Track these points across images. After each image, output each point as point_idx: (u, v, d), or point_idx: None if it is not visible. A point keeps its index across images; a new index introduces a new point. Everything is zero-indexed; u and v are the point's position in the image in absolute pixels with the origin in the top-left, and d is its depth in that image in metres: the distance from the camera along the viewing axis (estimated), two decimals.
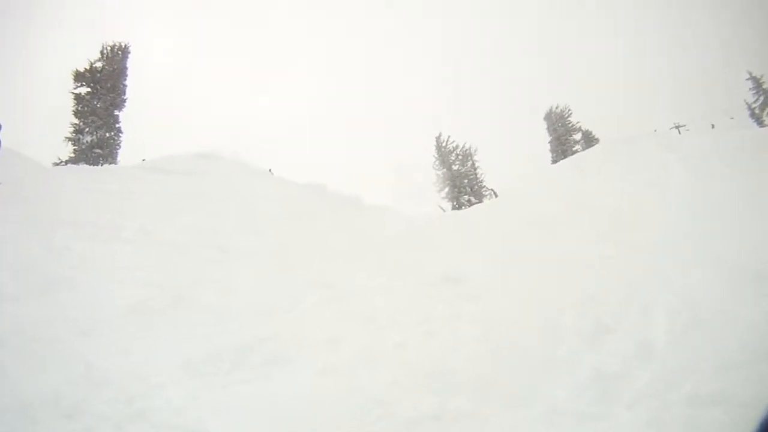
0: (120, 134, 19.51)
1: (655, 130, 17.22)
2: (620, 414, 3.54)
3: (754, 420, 2.85)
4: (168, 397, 3.84)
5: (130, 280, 5.96)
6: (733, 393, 3.33)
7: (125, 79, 20.22)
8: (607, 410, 3.60)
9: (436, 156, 24.51)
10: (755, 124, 22.94)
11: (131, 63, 20.57)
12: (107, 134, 19.01)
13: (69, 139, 18.69)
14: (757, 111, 24.01)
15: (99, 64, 19.88)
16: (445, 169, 24.06)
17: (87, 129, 18.77)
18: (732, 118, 22.19)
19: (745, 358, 3.69)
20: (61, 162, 17.84)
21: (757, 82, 24.23)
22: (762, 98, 24.02)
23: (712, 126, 19.17)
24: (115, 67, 20.03)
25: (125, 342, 4.60)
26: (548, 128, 25.80)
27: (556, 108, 25.77)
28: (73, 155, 18.41)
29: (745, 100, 24.56)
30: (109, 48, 20.28)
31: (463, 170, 23.96)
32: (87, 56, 20.22)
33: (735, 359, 3.71)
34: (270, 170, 15.63)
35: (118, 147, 19.28)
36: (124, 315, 5.13)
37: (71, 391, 3.71)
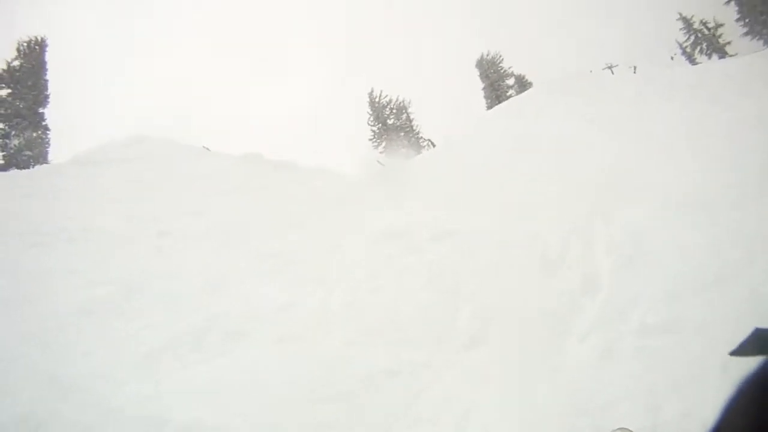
0: (48, 132, 18.40)
1: (590, 71, 17.56)
2: (573, 347, 3.71)
3: (705, 346, 3.01)
4: (134, 391, 3.86)
5: (81, 282, 5.78)
6: (684, 320, 3.43)
7: (46, 74, 18.97)
8: (561, 345, 3.75)
9: (370, 112, 24.24)
10: (687, 62, 23.92)
11: (49, 56, 19.23)
12: (34, 134, 17.87)
13: None
14: (689, 50, 25.00)
15: (17, 63, 18.48)
16: (380, 124, 23.89)
17: (13, 132, 17.57)
18: (672, 58, 22.99)
19: (694, 285, 3.74)
20: None
21: (687, 22, 25.10)
22: (692, 38, 24.97)
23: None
24: (34, 63, 18.73)
25: (85, 345, 4.53)
26: (481, 75, 25.69)
27: (488, 55, 25.75)
28: (2, 162, 17.23)
29: (676, 40, 25.50)
30: (25, 44, 18.88)
31: (398, 123, 23.91)
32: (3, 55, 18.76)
33: (684, 287, 3.77)
34: (206, 147, 15.07)
35: (47, 145, 18.22)
36: (79, 318, 5.01)
37: (40, 406, 3.63)
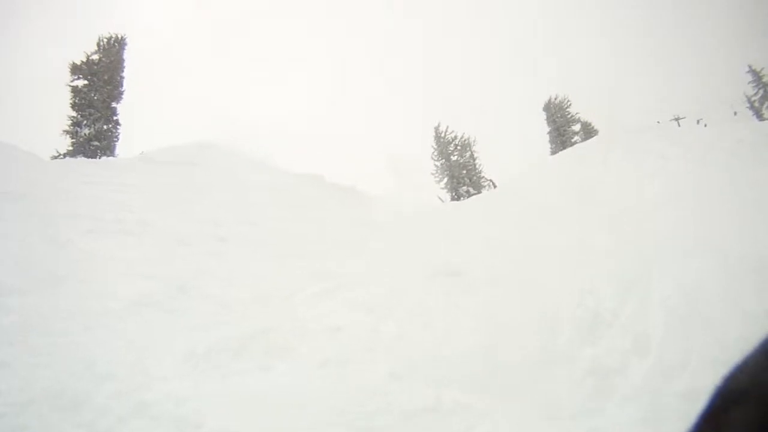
0: (118, 126, 19.42)
1: (658, 122, 17.19)
2: (616, 409, 3.57)
3: None
4: (169, 389, 3.88)
5: (133, 273, 5.97)
6: None
7: (122, 71, 20.11)
8: (603, 405, 3.63)
9: (435, 146, 24.42)
10: (755, 117, 22.93)
11: (127, 55, 20.50)
12: (105, 126, 18.92)
13: (67, 132, 18.59)
14: (756, 104, 24.01)
15: (96, 56, 19.76)
16: (443, 160, 23.97)
17: (85, 122, 18.68)
18: (735, 113, 22.19)
19: (743, 351, 3.64)
20: (60, 155, 17.77)
21: (756, 75, 24.20)
22: (761, 92, 24.00)
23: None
24: (112, 59, 19.91)
25: (128, 334, 4.63)
26: (547, 119, 25.67)
27: (555, 99, 25.64)
28: (71, 148, 18.33)
29: (744, 93, 24.56)
30: (105, 40, 20.14)
31: (461, 161, 23.89)
32: (83, 48, 20.13)
33: (733, 352, 3.65)
34: (267, 160, 15.56)
35: (116, 139, 19.20)
36: (127, 308, 5.15)
37: (75, 385, 3.75)
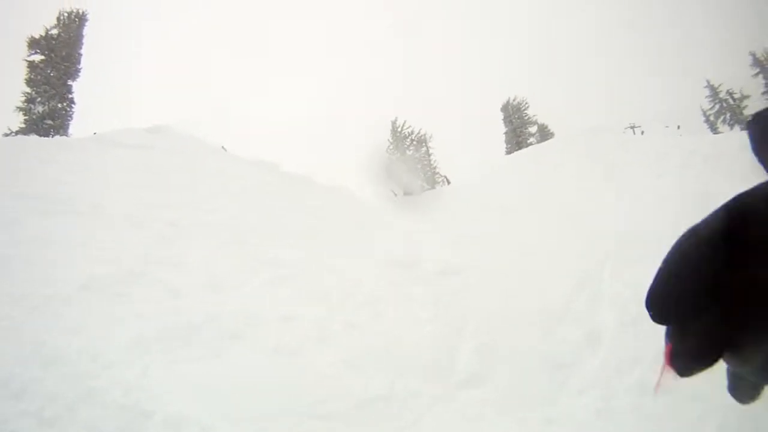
0: (72, 105, 18.66)
1: (612, 129, 17.75)
2: (570, 400, 3.69)
3: (701, 410, 3.05)
4: (119, 376, 3.77)
5: (82, 256, 5.74)
6: (680, 383, 3.49)
7: (81, 48, 19.33)
8: (558, 396, 3.75)
9: (391, 140, 24.53)
10: (709, 130, 24.08)
11: (87, 31, 19.67)
12: (59, 105, 18.12)
13: (20, 108, 17.72)
14: (712, 118, 25.21)
15: (54, 31, 18.88)
16: (399, 154, 24.12)
17: (39, 99, 17.83)
18: (678, 127, 23.14)
19: None
20: (12, 133, 16.91)
21: (714, 91, 25.39)
22: (717, 106, 25.20)
23: (678, 127, 20.00)
24: (71, 34, 19.12)
25: (78, 319, 4.46)
26: (504, 119, 26.15)
27: (514, 100, 26.16)
28: (23, 126, 17.46)
29: (701, 107, 25.75)
30: (66, 14, 19.31)
31: (417, 155, 24.14)
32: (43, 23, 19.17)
33: None
34: (223, 147, 15.25)
35: (69, 119, 18.46)
36: (76, 291, 4.95)
37: (22, 371, 3.58)
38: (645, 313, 4.48)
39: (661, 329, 4.35)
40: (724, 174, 9.12)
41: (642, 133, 17.37)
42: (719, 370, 3.52)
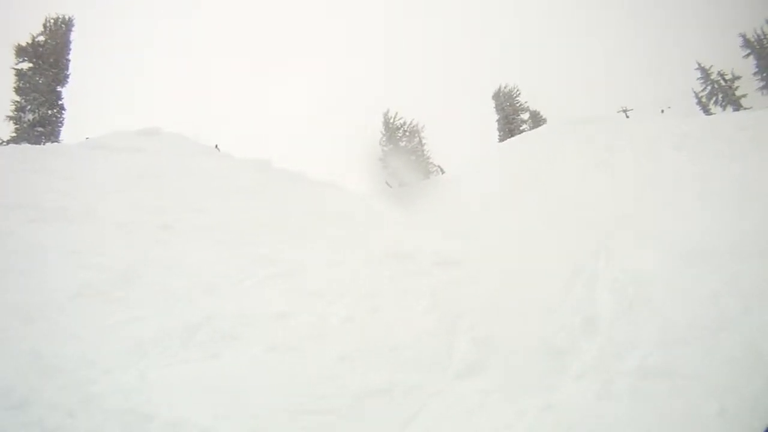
0: (63, 111, 18.54)
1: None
2: (569, 385, 3.70)
3: (700, 392, 3.07)
4: (118, 381, 3.77)
5: (76, 263, 5.72)
6: (681, 365, 3.50)
7: (68, 54, 19.19)
8: (557, 382, 3.75)
9: (384, 132, 24.50)
10: (702, 112, 24.09)
11: (74, 36, 19.51)
12: (49, 112, 18.01)
13: (10, 117, 17.61)
14: (704, 100, 25.19)
15: (41, 38, 18.73)
16: (391, 146, 24.11)
17: (29, 107, 17.71)
18: (662, 111, 23.07)
19: (691, 333, 3.85)
20: (3, 142, 16.82)
21: (705, 72, 25.35)
22: (709, 88, 25.19)
23: (662, 111, 20.02)
24: (58, 41, 18.96)
25: (74, 327, 4.44)
26: (496, 107, 26.01)
27: (505, 87, 26.06)
28: (14, 135, 17.36)
29: (693, 89, 25.72)
30: (52, 21, 19.15)
31: (410, 146, 24.13)
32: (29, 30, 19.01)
33: (681, 335, 3.87)
34: (216, 146, 15.18)
35: (60, 125, 18.34)
36: (71, 299, 4.93)
37: (21, 381, 3.56)
38: (642, 297, 4.53)
39: (660, 313, 4.39)
40: (718, 155, 9.15)
41: (627, 116, 17.33)
42: (718, 351, 3.55)
